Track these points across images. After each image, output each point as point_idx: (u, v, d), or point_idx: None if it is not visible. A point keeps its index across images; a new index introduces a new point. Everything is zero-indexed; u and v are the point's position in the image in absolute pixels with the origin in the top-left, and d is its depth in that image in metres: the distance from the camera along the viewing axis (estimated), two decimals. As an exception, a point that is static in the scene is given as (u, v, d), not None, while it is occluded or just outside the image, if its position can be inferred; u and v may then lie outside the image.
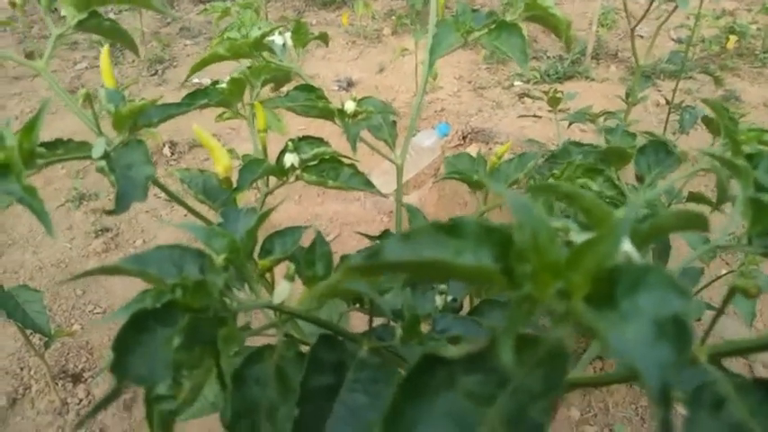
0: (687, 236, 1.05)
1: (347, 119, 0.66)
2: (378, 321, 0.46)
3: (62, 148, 0.45)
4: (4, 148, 0.37)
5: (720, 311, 0.28)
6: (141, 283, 0.34)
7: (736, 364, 1.45)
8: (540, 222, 0.19)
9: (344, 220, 2.12)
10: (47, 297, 1.73)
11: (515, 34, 0.63)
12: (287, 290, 0.36)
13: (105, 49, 0.59)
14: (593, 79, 3.16)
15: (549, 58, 3.40)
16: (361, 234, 0.73)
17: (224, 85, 0.66)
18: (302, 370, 0.33)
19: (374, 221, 2.12)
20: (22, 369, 1.51)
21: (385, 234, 0.62)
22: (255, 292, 0.39)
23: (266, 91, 0.75)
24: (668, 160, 0.67)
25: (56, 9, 0.62)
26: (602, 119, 1.49)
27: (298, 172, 0.61)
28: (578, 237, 0.25)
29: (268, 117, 0.69)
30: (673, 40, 3.56)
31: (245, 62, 0.75)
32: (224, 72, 0.72)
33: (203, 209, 0.65)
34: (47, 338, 1.12)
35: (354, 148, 0.64)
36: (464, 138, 2.50)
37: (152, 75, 3.23)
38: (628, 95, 1.62)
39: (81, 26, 0.59)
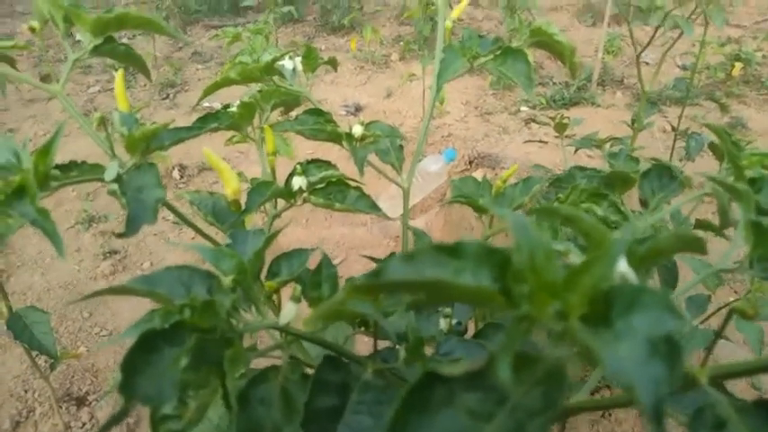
0: (693, 262, 1.05)
1: (355, 142, 0.67)
2: (382, 345, 0.46)
3: (76, 171, 0.46)
4: (20, 170, 0.38)
5: (720, 333, 0.28)
6: (148, 306, 0.35)
7: (749, 394, 1.43)
8: (538, 243, 0.20)
9: (351, 244, 2.12)
10: (53, 319, 1.73)
11: (521, 60, 0.64)
12: (293, 311, 0.36)
13: (120, 74, 0.60)
14: (598, 105, 3.18)
15: (555, 84, 3.43)
16: (368, 257, 0.74)
17: (234, 109, 0.67)
18: (307, 391, 0.33)
19: (380, 246, 2.13)
20: (26, 391, 1.51)
21: (391, 257, 0.63)
22: (262, 314, 0.39)
23: (275, 115, 0.76)
24: (672, 185, 0.67)
25: (71, 34, 0.64)
26: (608, 145, 1.50)
27: (305, 195, 0.61)
28: (578, 259, 0.25)
29: (276, 141, 0.70)
30: (678, 66, 3.59)
31: (255, 86, 0.77)
32: (234, 96, 0.73)
33: (212, 231, 0.66)
34: (53, 360, 1.13)
35: (362, 172, 0.65)
36: (470, 163, 2.51)
37: (163, 98, 3.29)
38: (634, 121, 1.63)
39: (97, 51, 0.60)
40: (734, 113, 2.96)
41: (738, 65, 3.15)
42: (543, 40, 0.67)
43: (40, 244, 2.06)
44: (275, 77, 0.71)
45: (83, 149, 2.44)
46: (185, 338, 0.29)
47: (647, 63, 3.47)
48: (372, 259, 0.68)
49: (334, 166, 0.65)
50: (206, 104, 2.88)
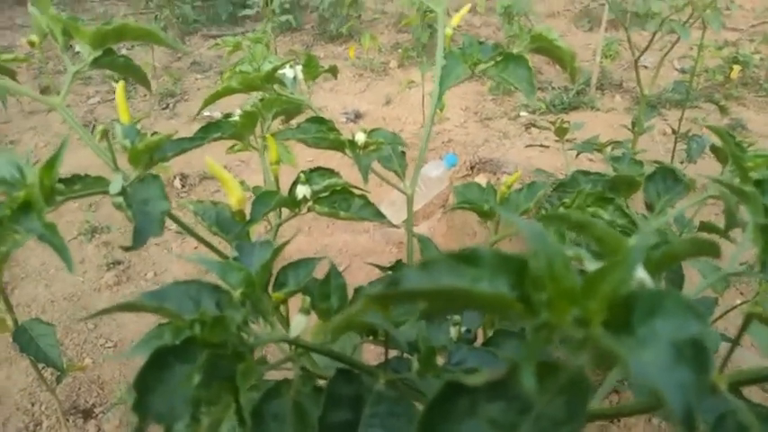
0: (699, 265, 1.04)
1: (358, 150, 0.67)
2: (391, 354, 0.46)
3: (79, 184, 0.46)
4: (25, 185, 0.38)
5: (737, 339, 0.28)
6: (152, 318, 0.34)
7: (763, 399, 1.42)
8: (555, 250, 0.19)
9: (354, 252, 2.12)
10: (59, 331, 1.73)
11: (522, 66, 0.64)
12: (303, 323, 0.36)
13: (121, 85, 0.60)
14: (598, 109, 3.19)
15: (554, 88, 3.44)
16: (373, 265, 0.74)
17: (236, 118, 0.67)
18: (320, 405, 0.32)
19: (383, 252, 2.12)
20: (33, 404, 1.50)
21: (397, 265, 0.63)
22: (271, 326, 0.39)
23: (276, 123, 0.76)
24: (677, 187, 0.67)
25: (71, 46, 0.64)
26: (609, 148, 1.50)
27: (309, 203, 0.61)
28: (592, 265, 0.25)
29: (278, 149, 0.70)
30: (677, 70, 3.60)
31: (255, 95, 0.77)
32: (233, 105, 0.73)
33: (215, 240, 0.65)
34: (59, 373, 1.12)
35: (366, 179, 0.64)
36: (472, 168, 2.51)
37: (163, 108, 3.29)
38: (634, 125, 1.63)
39: (96, 63, 0.60)
40: (733, 115, 2.97)
41: (737, 67, 3.16)
42: (544, 46, 0.67)
43: (43, 256, 2.05)
44: (276, 86, 0.71)
45: (82, 161, 2.44)
46: (196, 354, 0.29)
47: (645, 67, 3.48)
48: (378, 267, 0.68)
49: (337, 174, 0.65)
50: (206, 114, 2.88)
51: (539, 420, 0.19)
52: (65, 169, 0.44)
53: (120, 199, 0.42)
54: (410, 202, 0.73)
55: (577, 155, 1.79)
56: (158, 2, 4.18)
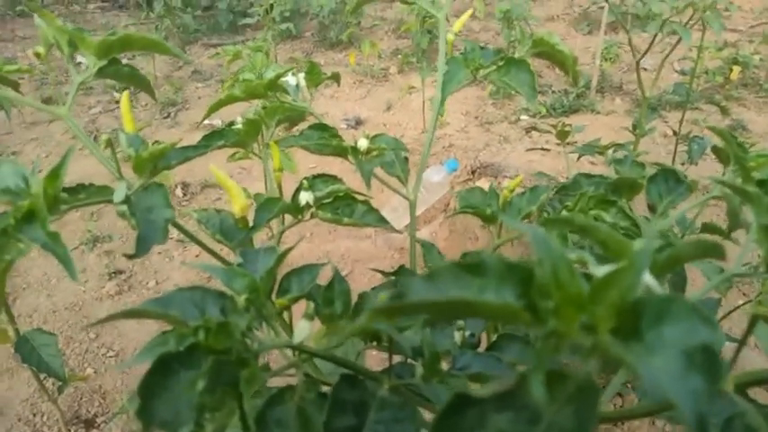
0: (702, 266, 1.04)
1: (361, 156, 0.67)
2: (394, 359, 0.45)
3: (83, 193, 0.46)
4: (30, 195, 0.38)
5: (743, 341, 0.27)
6: (154, 327, 0.34)
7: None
8: (561, 257, 0.19)
9: (356, 257, 2.12)
10: (60, 341, 1.73)
11: (524, 70, 0.64)
12: (306, 329, 0.36)
13: (125, 95, 0.61)
14: (598, 112, 3.19)
15: (554, 92, 3.44)
16: (376, 270, 0.74)
17: (239, 126, 0.67)
18: (324, 411, 0.32)
19: (385, 258, 2.12)
20: (34, 415, 1.50)
21: (400, 270, 0.63)
22: (275, 332, 0.39)
23: (278, 131, 0.76)
24: (679, 188, 0.67)
25: (73, 56, 0.64)
26: (611, 151, 1.50)
27: (312, 210, 0.61)
28: (597, 270, 0.25)
29: (280, 156, 0.70)
30: (676, 71, 3.60)
31: (256, 103, 0.77)
32: (234, 113, 0.73)
33: (217, 247, 0.65)
34: (61, 383, 1.12)
35: (369, 185, 0.65)
36: (473, 172, 2.51)
37: (165, 117, 3.30)
38: (635, 127, 1.63)
39: (101, 73, 0.61)
40: (734, 116, 2.97)
41: (737, 68, 3.16)
42: (545, 51, 0.68)
43: (45, 266, 2.05)
44: (278, 93, 0.72)
45: (85, 169, 2.45)
46: (201, 361, 0.29)
47: (645, 69, 3.48)
48: (381, 272, 0.68)
49: (340, 181, 0.65)
50: (206, 122, 2.89)
51: (549, 430, 0.19)
52: (68, 178, 0.45)
53: (124, 207, 0.42)
54: (413, 206, 0.73)
55: (579, 158, 1.79)
56: (159, 12, 4.20)
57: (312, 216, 0.62)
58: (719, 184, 0.46)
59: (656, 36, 1.38)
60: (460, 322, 0.47)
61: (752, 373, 0.25)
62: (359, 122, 3.19)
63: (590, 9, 4.66)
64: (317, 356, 0.36)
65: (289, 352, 0.44)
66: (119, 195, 0.42)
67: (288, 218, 0.65)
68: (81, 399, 1.55)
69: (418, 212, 2.21)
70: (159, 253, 2.14)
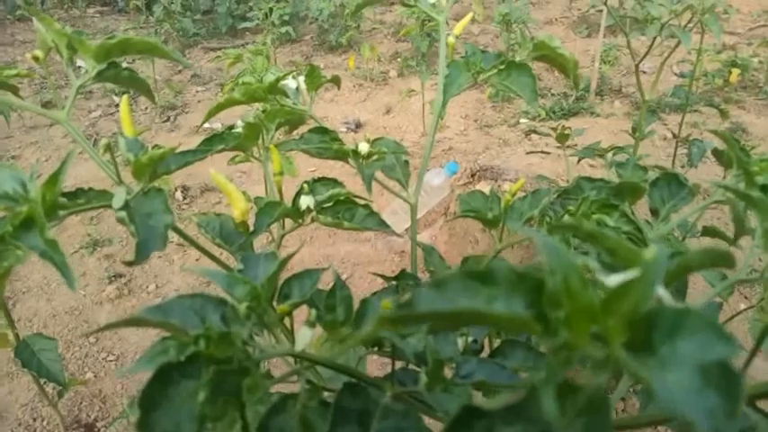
0: (704, 271, 1.03)
1: (361, 160, 0.67)
2: (397, 364, 0.45)
3: (83, 198, 0.46)
4: (28, 200, 0.38)
5: (754, 352, 0.27)
6: (154, 331, 0.34)
7: None
8: (572, 266, 0.19)
9: (356, 261, 2.11)
10: (60, 345, 1.72)
11: (525, 74, 0.64)
12: (308, 336, 0.35)
13: (125, 98, 0.60)
14: (597, 115, 3.19)
15: (553, 95, 3.45)
16: (377, 275, 0.73)
17: (239, 130, 0.67)
18: (327, 420, 0.32)
19: (386, 261, 2.12)
20: (35, 420, 1.49)
21: (402, 275, 0.62)
22: (277, 339, 0.39)
23: (278, 134, 0.76)
24: (681, 192, 0.66)
25: (73, 60, 0.64)
26: (610, 154, 1.49)
27: (313, 214, 0.61)
28: (607, 278, 0.24)
29: (280, 160, 0.70)
30: (675, 74, 3.60)
31: (255, 106, 0.76)
32: (234, 117, 0.73)
33: (217, 252, 0.65)
34: (61, 387, 1.11)
35: (369, 189, 0.64)
36: (473, 175, 2.51)
37: (164, 121, 3.30)
38: (634, 130, 1.63)
39: (101, 76, 0.60)
40: (733, 119, 2.97)
41: (736, 71, 3.16)
42: (546, 54, 0.67)
43: (44, 270, 2.05)
44: (278, 97, 0.71)
45: (84, 174, 2.44)
46: (202, 370, 0.29)
47: (644, 72, 3.49)
48: (382, 276, 0.68)
49: (341, 184, 0.64)
50: (206, 125, 2.89)
51: (560, 443, 0.18)
52: (68, 183, 0.44)
53: (124, 213, 0.42)
54: (414, 210, 0.72)
55: (579, 161, 1.79)
56: (159, 16, 4.21)
57: (313, 220, 0.62)
58: (723, 189, 0.46)
59: (655, 39, 1.38)
60: (464, 328, 0.46)
61: (763, 385, 0.25)
62: (359, 126, 3.19)
63: (589, 12, 4.67)
64: (319, 364, 0.35)
65: (290, 359, 0.43)
66: (118, 201, 0.42)
67: (288, 222, 0.65)
68: (81, 403, 1.54)
69: (418, 216, 2.20)
70: (159, 257, 2.13)
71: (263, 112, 0.70)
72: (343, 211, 0.62)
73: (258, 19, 3.67)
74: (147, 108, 3.43)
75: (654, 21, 1.27)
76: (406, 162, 0.75)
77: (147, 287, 2.00)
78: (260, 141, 0.72)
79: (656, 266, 0.18)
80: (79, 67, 0.65)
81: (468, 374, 0.37)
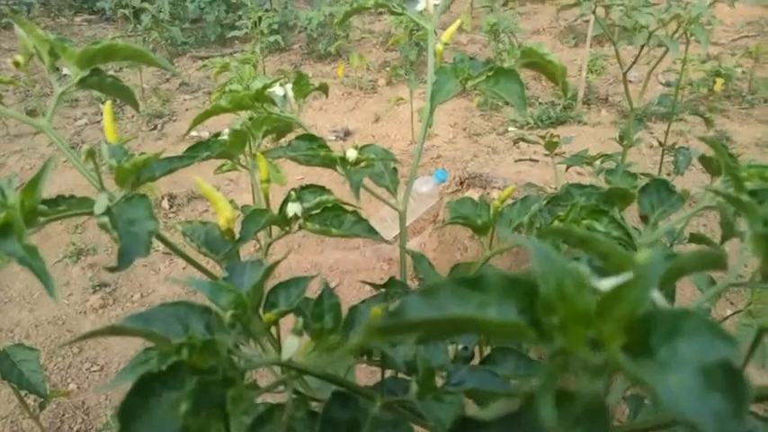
0: (693, 276, 1.04)
1: (349, 167, 0.66)
2: (386, 372, 0.44)
3: (64, 205, 0.45)
4: (6, 206, 0.37)
5: (750, 355, 0.27)
6: (139, 340, 0.33)
7: None
8: (565, 270, 0.18)
9: (344, 269, 2.10)
10: (42, 355, 1.69)
11: (513, 80, 0.64)
12: (295, 345, 0.34)
13: (108, 105, 0.59)
14: (585, 123, 3.22)
15: (541, 104, 3.47)
16: (365, 282, 0.72)
17: (225, 137, 0.66)
18: (315, 430, 0.31)
19: (374, 269, 2.11)
20: (15, 432, 1.46)
21: (391, 282, 0.61)
22: (263, 348, 0.38)
23: (265, 142, 0.75)
24: (671, 199, 0.66)
25: (57, 68, 0.63)
26: (599, 161, 1.50)
27: (301, 221, 0.60)
28: (599, 283, 0.24)
29: (267, 168, 0.69)
30: (661, 83, 3.65)
31: (243, 114, 0.76)
32: (220, 124, 0.72)
33: (203, 260, 0.64)
34: (42, 399, 1.09)
35: (357, 196, 0.63)
36: (462, 183, 2.51)
37: (151, 129, 3.28)
38: (621, 138, 1.64)
39: (84, 83, 0.59)
40: (718, 127, 3.01)
41: (720, 80, 3.21)
42: (535, 61, 0.67)
43: (27, 279, 2.01)
44: (266, 104, 0.70)
45: (68, 182, 2.41)
46: (184, 380, 0.28)
47: (630, 81, 3.52)
48: (371, 284, 0.67)
49: (328, 191, 0.63)
50: (194, 134, 2.87)
51: (557, 453, 0.17)
52: (52, 190, 0.43)
53: (105, 219, 0.41)
54: (403, 217, 0.72)
55: (567, 168, 1.79)
56: (147, 24, 4.19)
57: (300, 228, 0.61)
58: (713, 193, 0.46)
59: (642, 48, 1.40)
60: (454, 336, 0.45)
61: (759, 388, 0.25)
62: (347, 134, 3.19)
63: (576, 22, 4.72)
64: (306, 373, 0.35)
65: (277, 368, 0.42)
66: (99, 207, 0.41)
67: (275, 230, 0.64)
68: (63, 415, 1.51)
69: (407, 223, 2.20)
70: (144, 266, 2.10)
71: (250, 119, 0.69)
72: (331, 218, 0.61)
73: (247, 28, 3.67)
74: (133, 116, 3.41)
75: (642, 29, 1.28)
76: (395, 169, 0.74)
77: (132, 296, 1.97)
78: (247, 149, 0.71)
79: (653, 268, 0.17)
80: (65, 75, 0.64)
81: (459, 382, 0.37)
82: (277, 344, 0.48)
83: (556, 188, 0.80)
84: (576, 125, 3.21)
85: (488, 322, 0.18)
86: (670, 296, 0.96)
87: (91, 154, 0.45)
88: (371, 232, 0.62)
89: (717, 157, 0.60)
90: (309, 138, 0.67)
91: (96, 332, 0.31)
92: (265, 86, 0.69)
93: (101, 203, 0.40)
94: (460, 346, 0.49)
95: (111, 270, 0.38)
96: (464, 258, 2.08)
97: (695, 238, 0.89)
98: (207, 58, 4.00)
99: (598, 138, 2.94)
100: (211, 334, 0.32)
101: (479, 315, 0.18)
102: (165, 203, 2.48)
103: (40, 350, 1.18)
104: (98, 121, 3.39)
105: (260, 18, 3.59)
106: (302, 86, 0.73)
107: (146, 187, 0.61)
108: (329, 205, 0.61)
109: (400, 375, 0.44)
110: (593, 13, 1.58)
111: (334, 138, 3.12)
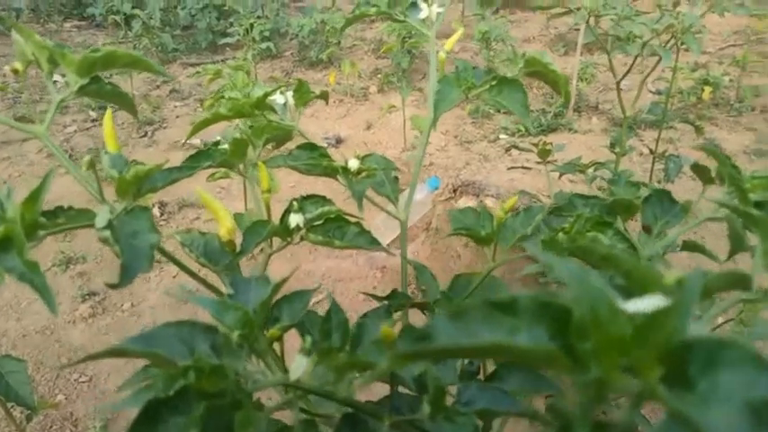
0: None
1: (351, 177, 0.65)
2: (385, 387, 0.43)
3: (63, 217, 0.43)
4: (5, 220, 0.36)
5: None
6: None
7: None
8: (600, 294, 0.18)
9: (337, 277, 2.09)
10: (30, 366, 1.66)
11: (517, 90, 0.64)
12: (303, 365, 0.33)
13: (108, 113, 0.58)
14: (575, 131, 3.24)
15: (532, 111, 3.49)
16: (368, 294, 0.72)
17: (225, 146, 0.65)
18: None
19: (367, 277, 2.10)
20: (1, 445, 1.43)
21: (393, 294, 0.61)
22: (267, 366, 0.37)
23: (262, 151, 0.74)
24: (674, 210, 0.66)
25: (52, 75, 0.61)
26: (591, 169, 1.51)
27: (303, 232, 0.59)
28: (625, 305, 0.23)
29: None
30: (651, 92, 3.68)
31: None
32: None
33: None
34: (29, 411, 1.07)
35: (360, 207, 0.63)
36: (455, 191, 2.51)
37: (141, 136, 3.25)
38: (613, 145, 1.65)
39: (83, 91, 0.58)
40: (707, 135, 3.03)
41: (708, 89, 3.24)
42: (538, 70, 0.67)
43: (15, 288, 1.98)
44: (266, 112, 0.70)
45: (59, 189, 2.38)
46: (192, 405, 0.27)
47: (621, 89, 3.55)
48: (373, 297, 0.66)
49: (330, 202, 0.63)
50: (177, 139, 2.85)
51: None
52: (45, 198, 0.42)
53: (107, 233, 0.40)
54: (404, 226, 0.71)
55: (560, 176, 1.79)
56: (137, 31, 4.16)
57: (302, 239, 0.60)
58: (722, 206, 0.46)
59: (636, 57, 1.41)
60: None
61: None
62: (339, 141, 3.18)
63: (565, 31, 4.76)
64: (314, 394, 0.34)
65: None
66: (101, 220, 0.40)
67: (275, 240, 0.63)
68: (51, 427, 1.48)
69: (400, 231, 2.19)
70: (135, 274, 2.08)
71: (251, 127, 0.68)
72: (333, 229, 0.60)
73: (239, 35, 3.66)
74: (123, 123, 3.38)
75: (635, 39, 1.29)
76: (396, 178, 0.74)
77: (122, 305, 1.95)
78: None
79: (691, 293, 0.17)
80: (55, 81, 0.63)
81: (469, 401, 0.36)
82: (280, 360, 0.47)
83: (549, 196, 0.80)
84: (567, 133, 3.22)
85: (521, 349, 0.18)
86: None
87: (92, 165, 0.44)
88: (374, 244, 0.61)
89: (720, 167, 0.60)
90: (310, 147, 0.67)
91: (97, 355, 0.30)
92: (267, 94, 0.68)
93: (103, 216, 0.39)
94: (466, 361, 0.48)
95: (112, 287, 0.37)
96: (457, 266, 2.07)
97: (688, 245, 0.89)
98: (198, 65, 3.98)
99: (589, 145, 2.95)
100: (218, 355, 0.31)
101: (512, 342, 0.17)
102: (156, 211, 2.45)
103: (27, 361, 1.15)
104: (87, 128, 3.35)
105: (252, 25, 3.59)
106: (303, 94, 0.72)
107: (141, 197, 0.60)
108: (332, 216, 0.60)
109: (402, 390, 0.43)
110: (587, 22, 1.59)
111: (326, 145, 3.11)
